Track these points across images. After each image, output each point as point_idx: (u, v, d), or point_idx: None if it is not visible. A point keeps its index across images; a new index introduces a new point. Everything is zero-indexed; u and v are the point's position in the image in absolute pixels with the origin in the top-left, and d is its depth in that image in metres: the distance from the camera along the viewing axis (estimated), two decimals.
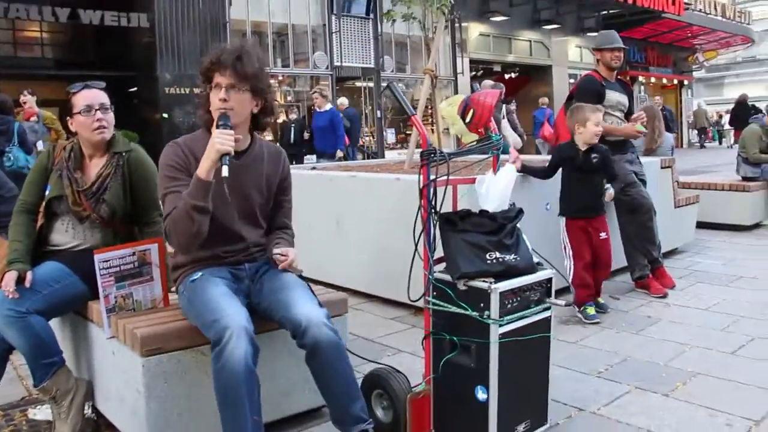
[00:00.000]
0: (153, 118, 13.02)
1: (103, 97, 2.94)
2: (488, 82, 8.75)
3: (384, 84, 16.79)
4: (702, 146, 29.36)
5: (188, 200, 2.40)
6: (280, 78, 15.69)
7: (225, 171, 2.36)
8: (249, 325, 2.30)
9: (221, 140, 2.37)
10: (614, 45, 5.04)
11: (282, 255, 2.62)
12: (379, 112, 16.80)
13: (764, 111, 8.47)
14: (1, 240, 3.09)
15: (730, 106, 15.99)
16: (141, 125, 12.74)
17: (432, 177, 2.56)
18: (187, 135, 2.69)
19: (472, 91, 3.62)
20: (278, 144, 8.40)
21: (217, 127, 2.44)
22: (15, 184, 4.50)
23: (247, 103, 2.59)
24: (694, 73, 32.41)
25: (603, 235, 4.36)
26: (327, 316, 2.45)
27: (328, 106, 10.53)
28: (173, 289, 2.90)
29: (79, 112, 2.89)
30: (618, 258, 5.05)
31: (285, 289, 2.55)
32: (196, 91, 12.35)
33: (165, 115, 12.66)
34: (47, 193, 2.97)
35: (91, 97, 2.92)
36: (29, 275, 2.72)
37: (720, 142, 31.50)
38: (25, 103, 8.48)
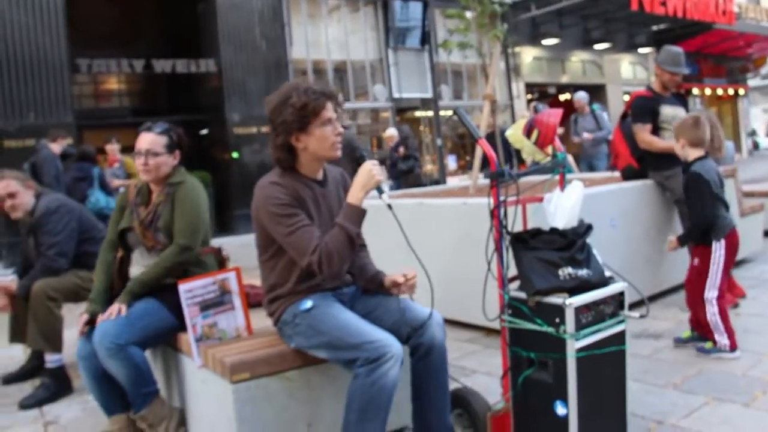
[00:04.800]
0: (224, 158, 13.48)
1: (152, 143, 3.19)
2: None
3: (449, 112, 16.96)
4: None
5: (351, 229, 2.48)
6: None
7: (386, 198, 2.56)
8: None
9: (378, 170, 2.53)
10: (676, 70, 5.06)
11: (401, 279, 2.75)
12: (439, 140, 16.92)
13: None
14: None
15: None
16: (213, 165, 13.36)
17: (502, 198, 2.64)
18: (270, 176, 2.64)
19: (535, 112, 3.72)
20: None
21: (364, 160, 2.57)
22: None
23: None
24: (749, 82, 31.51)
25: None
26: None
27: None
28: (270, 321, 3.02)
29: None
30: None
31: (392, 301, 2.70)
32: (263, 130, 12.88)
33: (235, 155, 13.06)
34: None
35: (142, 141, 3.20)
36: (124, 309, 2.95)
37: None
38: (112, 150, 9.37)
